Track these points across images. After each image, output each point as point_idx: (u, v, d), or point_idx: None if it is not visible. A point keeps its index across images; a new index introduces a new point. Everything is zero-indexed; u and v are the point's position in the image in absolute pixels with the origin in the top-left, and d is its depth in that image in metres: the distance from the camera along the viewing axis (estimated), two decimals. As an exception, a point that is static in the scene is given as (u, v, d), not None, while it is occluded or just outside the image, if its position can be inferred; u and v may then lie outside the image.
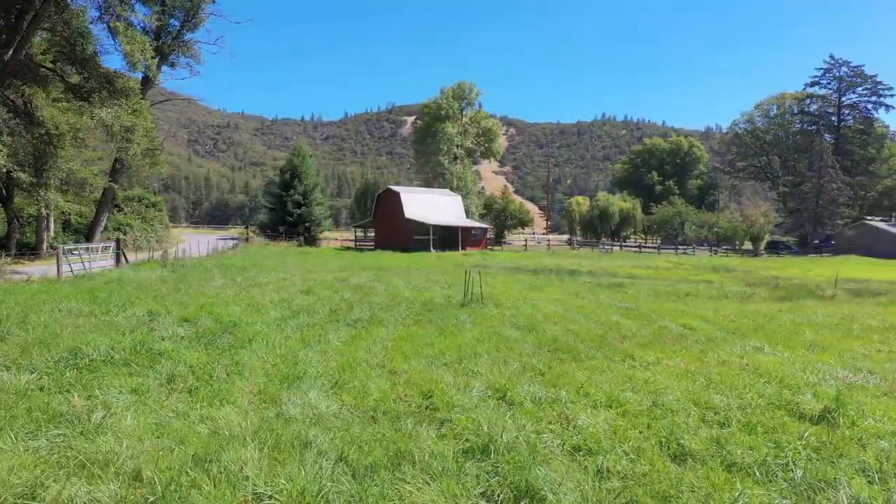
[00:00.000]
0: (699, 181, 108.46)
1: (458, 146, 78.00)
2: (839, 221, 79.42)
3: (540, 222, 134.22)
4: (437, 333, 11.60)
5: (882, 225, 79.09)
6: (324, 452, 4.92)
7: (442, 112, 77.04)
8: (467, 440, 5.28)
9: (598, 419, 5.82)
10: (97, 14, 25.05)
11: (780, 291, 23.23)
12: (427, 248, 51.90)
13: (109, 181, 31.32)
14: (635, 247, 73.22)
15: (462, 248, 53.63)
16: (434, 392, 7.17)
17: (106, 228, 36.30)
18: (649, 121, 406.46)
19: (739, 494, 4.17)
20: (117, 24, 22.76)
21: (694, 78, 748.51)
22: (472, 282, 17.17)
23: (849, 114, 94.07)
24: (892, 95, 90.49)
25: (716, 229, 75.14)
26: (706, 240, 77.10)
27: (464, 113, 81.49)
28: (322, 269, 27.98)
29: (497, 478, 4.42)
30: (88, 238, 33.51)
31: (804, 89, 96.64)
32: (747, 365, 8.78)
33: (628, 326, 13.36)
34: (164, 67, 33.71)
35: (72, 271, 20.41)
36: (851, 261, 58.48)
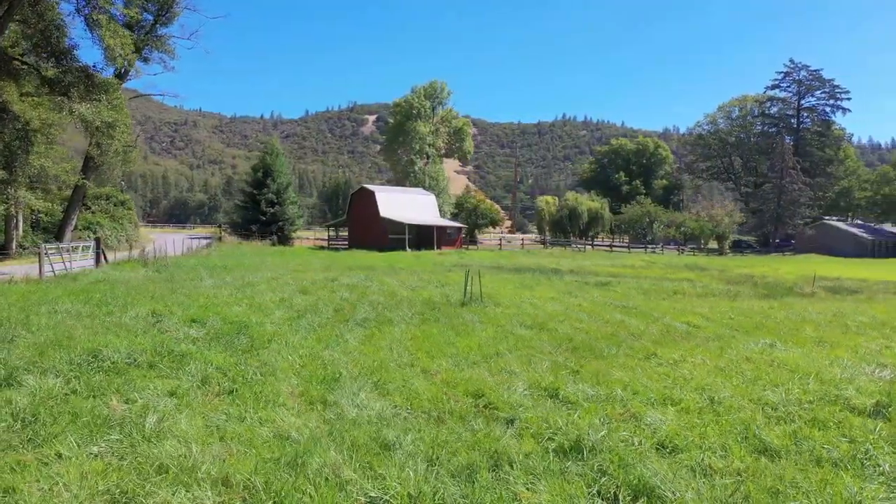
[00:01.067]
0: (665, 181, 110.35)
1: (429, 145, 77.92)
2: (799, 221, 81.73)
3: (504, 222, 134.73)
4: (455, 333, 11.57)
5: (840, 225, 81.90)
6: (412, 454, 4.86)
7: (413, 111, 76.89)
8: (550, 439, 5.28)
9: (667, 417, 5.87)
10: (73, 7, 24.29)
11: (763, 289, 23.81)
12: (403, 248, 51.69)
13: (82, 178, 30.37)
14: (606, 246, 74.21)
15: (437, 248, 53.58)
16: (483, 391, 7.14)
17: (75, 228, 35.21)
18: (609, 121, 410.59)
19: (858, 491, 4.25)
20: (100, 16, 22.01)
21: (652, 80, 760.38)
22: (472, 281, 17.18)
23: (807, 116, 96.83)
24: (848, 99, 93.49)
25: (683, 229, 76.59)
26: (673, 239, 78.55)
27: (435, 112, 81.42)
28: (306, 268, 27.65)
29: (606, 477, 4.41)
30: (58, 237, 32.42)
31: (765, 92, 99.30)
32: (773, 361, 8.97)
33: (635, 325, 13.51)
34: (137, 63, 32.85)
35: (53, 271, 19.77)
36: (813, 259, 60.20)
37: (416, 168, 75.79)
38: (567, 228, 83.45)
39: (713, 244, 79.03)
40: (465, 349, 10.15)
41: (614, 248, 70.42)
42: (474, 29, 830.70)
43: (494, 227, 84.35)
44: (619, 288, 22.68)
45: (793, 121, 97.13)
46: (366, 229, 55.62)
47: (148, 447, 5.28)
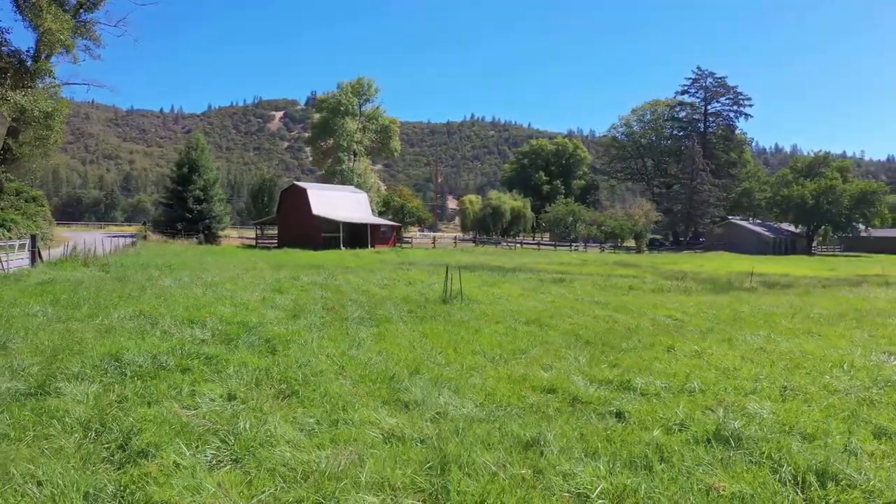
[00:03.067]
0: (583, 181, 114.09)
1: (357, 142, 76.89)
2: (708, 220, 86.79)
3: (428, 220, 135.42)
4: (465, 331, 11.55)
5: (745, 224, 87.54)
6: (566, 450, 4.83)
7: (341, 107, 75.58)
8: (681, 430, 5.37)
9: (765, 406, 6.10)
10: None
11: (709, 285, 25.04)
12: (337, 246, 50.88)
13: (3, 172, 27.94)
14: (534, 244, 75.86)
15: (372, 246, 53.04)
16: (553, 387, 7.19)
17: (-12, 225, 32.48)
18: (516, 122, 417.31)
19: None
20: (41, -1, 20.31)
21: (556, 83, 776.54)
22: (448, 279, 17.17)
23: (713, 121, 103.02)
24: (750, 105, 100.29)
25: (603, 227, 79.40)
26: (594, 237, 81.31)
27: (362, 109, 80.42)
28: (255, 267, 26.74)
29: (785, 465, 4.54)
30: (-30, 236, 29.84)
31: (675, 97, 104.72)
32: (792, 351, 9.49)
33: (624, 320, 13.91)
34: (62, 49, 30.57)
35: (-9, 272, 18.21)
36: (725, 256, 63.92)
37: (345, 166, 74.61)
38: (490, 227, 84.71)
39: (630, 242, 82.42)
40: (488, 346, 10.17)
41: (542, 247, 72.06)
42: (381, 29, 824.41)
43: (421, 226, 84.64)
44: (577, 284, 23.23)
45: (700, 125, 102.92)
46: (297, 228, 54.26)
47: (268, 453, 5.00)
